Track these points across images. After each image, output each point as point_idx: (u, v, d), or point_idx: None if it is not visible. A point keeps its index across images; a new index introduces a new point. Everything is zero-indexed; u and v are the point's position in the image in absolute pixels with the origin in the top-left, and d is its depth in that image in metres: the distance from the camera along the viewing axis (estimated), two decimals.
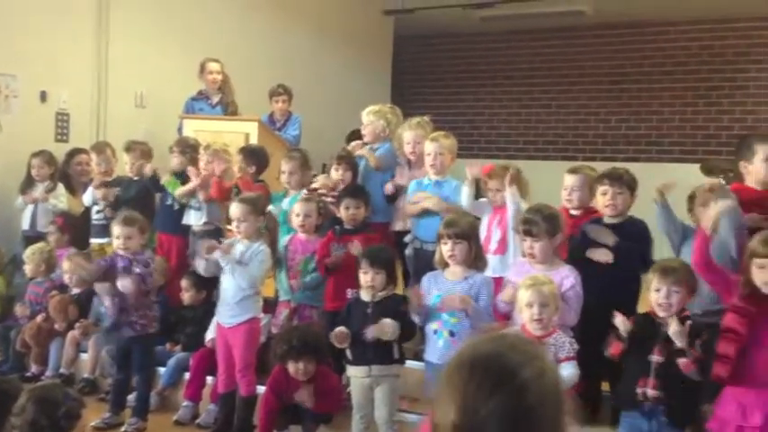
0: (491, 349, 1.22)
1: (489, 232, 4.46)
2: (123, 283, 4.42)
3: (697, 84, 8.58)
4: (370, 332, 3.81)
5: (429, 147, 4.83)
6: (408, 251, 4.91)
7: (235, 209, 4.44)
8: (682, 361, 3.33)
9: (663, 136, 8.79)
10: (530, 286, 3.58)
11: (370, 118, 5.30)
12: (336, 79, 8.67)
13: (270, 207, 4.83)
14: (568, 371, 3.54)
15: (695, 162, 7.67)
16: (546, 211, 3.91)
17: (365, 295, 3.98)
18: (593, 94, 9.18)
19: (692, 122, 8.62)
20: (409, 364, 4.20)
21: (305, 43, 8.44)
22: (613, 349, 3.49)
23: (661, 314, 3.42)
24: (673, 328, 3.32)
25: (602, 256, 4.02)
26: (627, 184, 4.11)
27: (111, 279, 4.48)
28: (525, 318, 3.58)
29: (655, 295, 3.43)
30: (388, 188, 5.06)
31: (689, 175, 7.11)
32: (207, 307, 4.95)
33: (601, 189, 4.12)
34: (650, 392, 3.37)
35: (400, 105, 7.79)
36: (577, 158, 8.69)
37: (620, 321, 3.45)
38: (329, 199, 4.98)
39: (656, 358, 3.39)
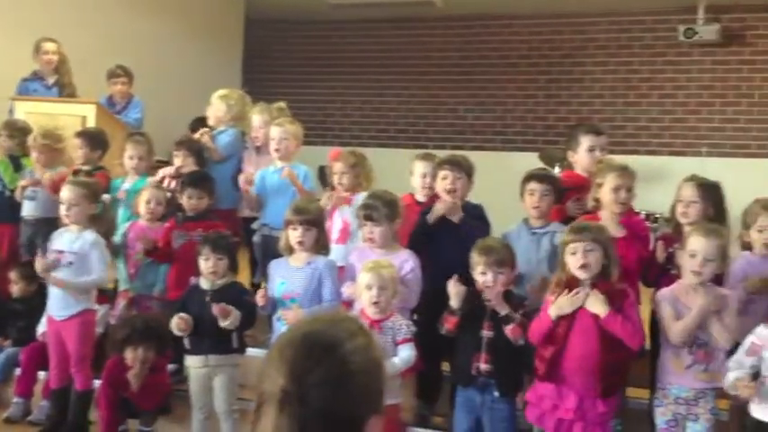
0: (319, 326, 1.36)
1: (331, 221, 4.49)
2: None
3: (538, 76, 8.96)
4: (215, 308, 3.76)
5: (273, 132, 4.83)
6: (256, 238, 4.87)
7: (67, 192, 4.22)
8: (509, 328, 3.49)
9: (507, 126, 9.13)
10: (370, 269, 3.64)
11: (214, 101, 5.27)
12: (183, 62, 8.43)
13: (105, 195, 4.65)
14: (406, 352, 3.64)
15: (536, 151, 8.05)
16: (386, 197, 4.00)
17: (205, 283, 3.92)
18: (443, 84, 9.41)
19: (534, 113, 9.01)
20: (252, 352, 4.18)
21: (149, 24, 8.13)
22: (449, 324, 3.61)
23: (489, 296, 3.57)
24: (492, 303, 3.50)
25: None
26: (465, 170, 4.23)
27: None
28: (364, 300, 3.64)
29: (481, 278, 3.57)
30: (242, 182, 4.99)
31: (529, 164, 7.47)
32: (39, 299, 4.69)
33: (441, 174, 4.20)
34: (483, 367, 3.52)
35: (252, 91, 7.72)
36: (428, 147, 8.84)
37: (452, 285, 3.55)
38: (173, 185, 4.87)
39: (486, 333, 3.54)
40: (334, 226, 4.48)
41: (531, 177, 4.05)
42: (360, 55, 9.72)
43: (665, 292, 3.48)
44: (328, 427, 1.25)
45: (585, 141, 4.32)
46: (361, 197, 4.34)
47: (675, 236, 3.80)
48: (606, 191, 3.87)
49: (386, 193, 4.07)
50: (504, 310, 3.50)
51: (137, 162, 4.98)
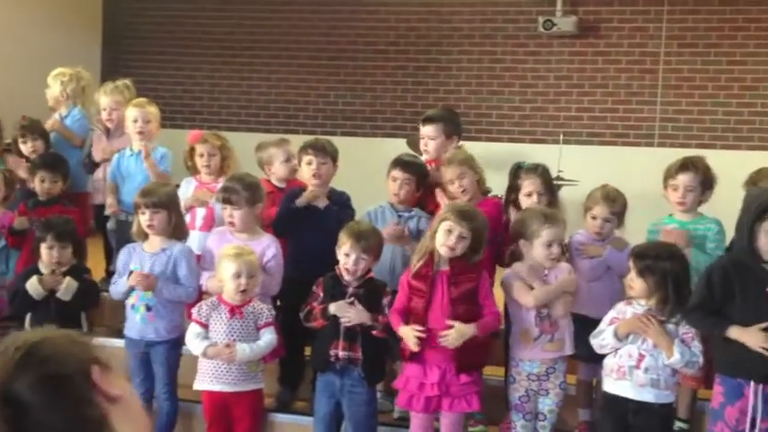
0: (24, 335, 1.27)
1: (194, 208, 4.41)
2: None
3: (406, 63, 9.05)
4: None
5: (133, 113, 4.65)
6: (110, 224, 4.71)
7: None
8: (374, 332, 3.54)
9: (376, 112, 9.19)
10: (237, 256, 3.60)
11: (49, 81, 5.04)
12: (35, 42, 7.96)
13: None
14: (268, 336, 3.66)
15: (405, 137, 8.14)
16: (247, 180, 3.94)
17: (45, 268, 3.77)
18: (313, 69, 9.35)
19: (402, 100, 9.10)
20: (106, 341, 4.07)
21: None
22: (317, 323, 3.62)
23: (347, 278, 3.60)
24: (355, 315, 3.52)
25: None
26: (330, 154, 4.22)
27: None
28: (231, 288, 3.60)
29: (344, 259, 3.58)
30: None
31: (398, 150, 7.54)
32: None
33: (305, 159, 4.17)
34: (341, 354, 3.56)
35: (114, 72, 7.40)
36: (298, 132, 8.81)
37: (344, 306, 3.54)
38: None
39: (344, 321, 3.56)
40: (198, 213, 4.38)
41: (395, 164, 4.09)
42: (227, 37, 9.51)
43: (510, 272, 3.62)
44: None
45: (421, 131, 4.46)
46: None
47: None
48: (446, 182, 3.97)
49: (247, 175, 4.02)
50: (368, 320, 3.53)
51: None
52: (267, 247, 3.90)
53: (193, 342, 3.64)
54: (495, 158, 7.52)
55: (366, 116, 9.24)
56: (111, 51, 9.29)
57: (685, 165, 3.83)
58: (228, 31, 9.52)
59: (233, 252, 3.63)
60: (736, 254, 3.34)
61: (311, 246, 3.99)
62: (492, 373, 3.97)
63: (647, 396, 3.32)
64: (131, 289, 3.78)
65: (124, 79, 5.04)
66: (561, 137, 8.15)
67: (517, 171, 3.99)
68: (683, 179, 3.80)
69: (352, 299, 3.55)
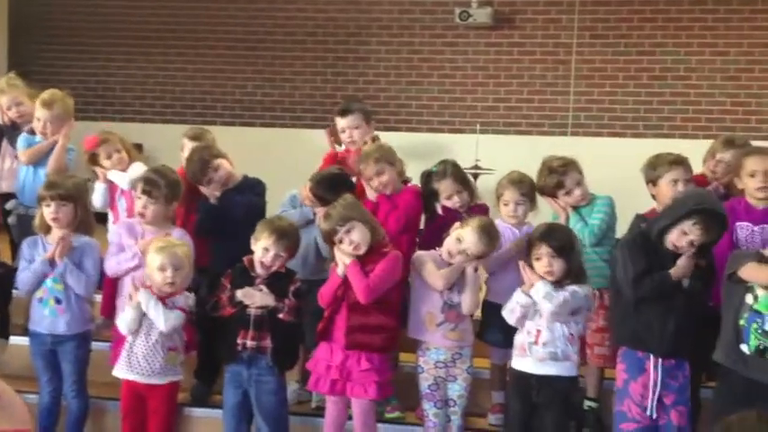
0: None
1: (115, 202, 4.37)
2: None
3: (325, 54, 9.02)
4: None
5: (37, 113, 4.54)
6: (11, 219, 4.57)
7: None
8: (279, 316, 3.54)
9: (296, 103, 9.14)
10: (162, 249, 3.55)
11: None
12: None
13: None
14: (175, 312, 3.61)
15: (324, 128, 8.12)
16: (170, 177, 3.92)
17: None
18: (230, 59, 9.23)
19: (322, 91, 9.06)
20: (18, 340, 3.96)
21: None
22: (225, 312, 3.59)
23: (259, 271, 3.59)
24: (260, 299, 3.54)
25: None
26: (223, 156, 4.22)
27: None
28: (158, 281, 3.55)
29: (262, 253, 3.58)
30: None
31: (318, 141, 7.54)
32: None
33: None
34: (249, 343, 3.54)
35: (22, 63, 7.17)
36: (216, 123, 8.70)
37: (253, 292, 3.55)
38: None
39: (253, 311, 3.56)
40: (120, 206, 4.36)
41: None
42: (142, 26, 9.30)
43: (424, 252, 3.66)
44: None
45: (337, 122, 4.49)
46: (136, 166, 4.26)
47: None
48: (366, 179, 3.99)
49: (171, 171, 4.00)
50: (271, 302, 3.53)
51: None
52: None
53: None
54: (414, 149, 7.62)
55: (285, 107, 9.19)
56: (18, 41, 8.96)
57: (565, 165, 3.92)
58: (143, 20, 9.32)
59: (159, 245, 3.59)
60: (647, 232, 3.46)
61: (230, 241, 3.97)
62: (406, 359, 4.01)
63: (549, 370, 3.40)
64: (44, 277, 3.68)
65: (10, 73, 4.91)
66: (478, 127, 8.28)
67: (428, 178, 4.03)
68: (570, 182, 3.89)
69: (261, 288, 3.55)
